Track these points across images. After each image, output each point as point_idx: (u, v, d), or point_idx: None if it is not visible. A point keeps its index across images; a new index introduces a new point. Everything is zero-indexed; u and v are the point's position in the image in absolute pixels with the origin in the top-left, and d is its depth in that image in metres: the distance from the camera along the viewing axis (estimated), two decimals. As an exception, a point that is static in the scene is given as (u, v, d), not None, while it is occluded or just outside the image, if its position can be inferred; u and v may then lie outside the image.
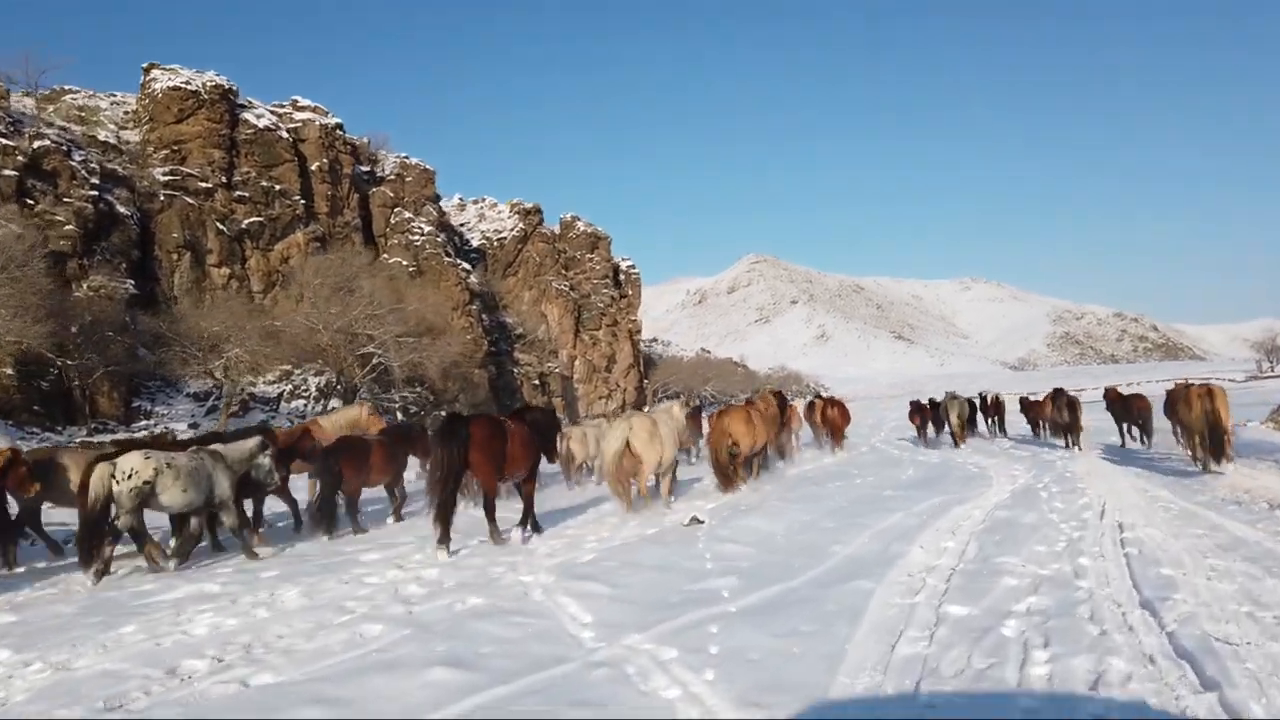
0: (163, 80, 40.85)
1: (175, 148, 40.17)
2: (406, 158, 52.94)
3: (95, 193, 34.82)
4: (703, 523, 10.32)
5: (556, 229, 70.61)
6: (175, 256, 37.93)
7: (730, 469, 13.26)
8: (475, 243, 63.27)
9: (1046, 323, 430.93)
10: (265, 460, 10.33)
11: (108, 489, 8.48)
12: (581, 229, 70.63)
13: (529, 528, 9.95)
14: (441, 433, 9.36)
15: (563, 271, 66.33)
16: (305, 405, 40.61)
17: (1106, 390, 22.30)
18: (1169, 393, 16.51)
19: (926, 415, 26.63)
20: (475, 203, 69.07)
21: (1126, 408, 20.62)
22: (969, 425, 24.94)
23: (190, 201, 38.83)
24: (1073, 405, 21.00)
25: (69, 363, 29.91)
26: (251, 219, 41.05)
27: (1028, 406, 25.72)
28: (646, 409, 70.57)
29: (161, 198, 38.10)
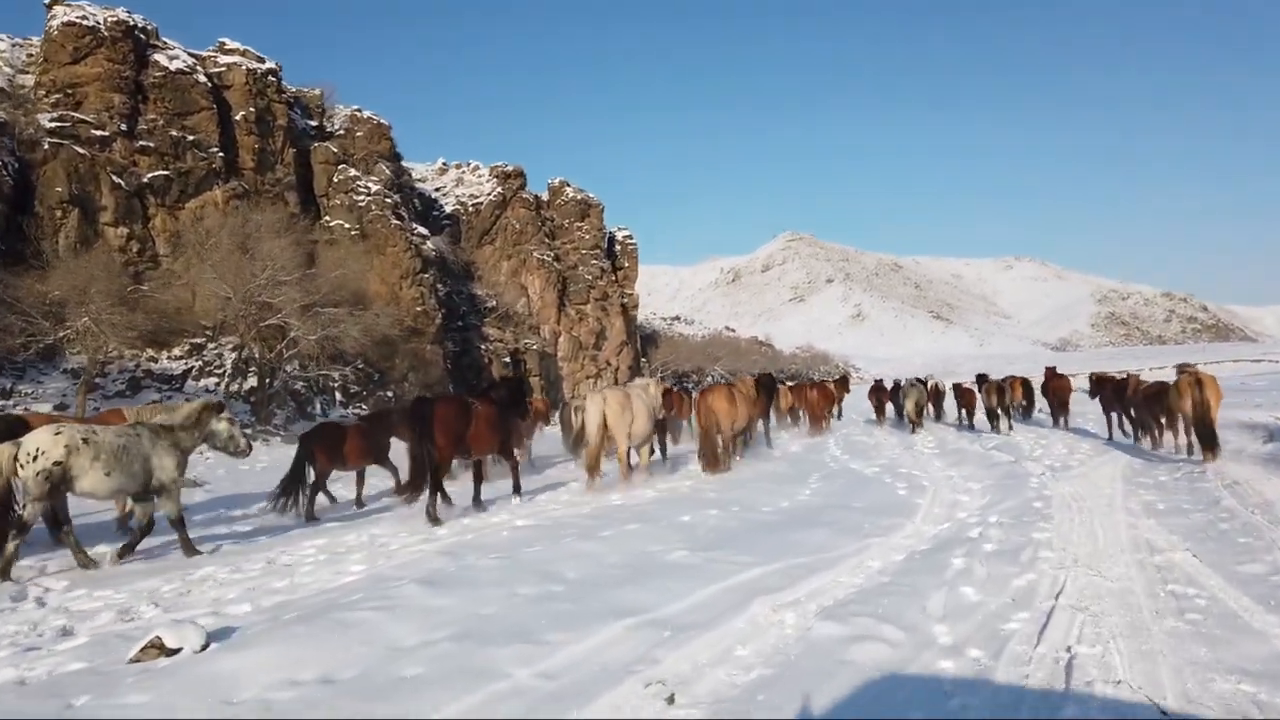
0: (61, 16, 36.04)
1: (69, 91, 35.38)
2: (359, 110, 47.82)
3: (-47, 137, 30.20)
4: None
5: (545, 195, 65.31)
6: (60, 213, 33.17)
7: (714, 447, 13.51)
8: (449, 208, 58.17)
9: (1091, 303, 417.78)
10: (220, 425, 9.20)
11: (9, 473, 7.60)
12: (571, 195, 65.20)
13: (517, 495, 11.36)
14: (409, 414, 10.34)
15: (547, 241, 61.02)
16: (218, 384, 35.95)
17: (1093, 376, 19.78)
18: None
19: (884, 398, 27.85)
20: (457, 166, 63.95)
21: (1118, 395, 17.84)
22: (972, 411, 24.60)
23: (80, 151, 34.02)
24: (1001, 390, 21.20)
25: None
26: (156, 172, 36.18)
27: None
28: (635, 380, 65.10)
29: (46, 146, 33.35)
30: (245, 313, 32.09)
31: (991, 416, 21.16)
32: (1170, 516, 8.78)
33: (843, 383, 33.97)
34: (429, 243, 46.80)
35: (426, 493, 9.99)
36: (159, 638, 4.78)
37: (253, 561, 7.83)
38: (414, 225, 46.62)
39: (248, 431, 32.87)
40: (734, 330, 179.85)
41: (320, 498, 12.28)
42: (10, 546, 7.53)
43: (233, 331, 34.25)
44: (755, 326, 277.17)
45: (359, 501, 12.67)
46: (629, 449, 12.75)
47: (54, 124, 33.96)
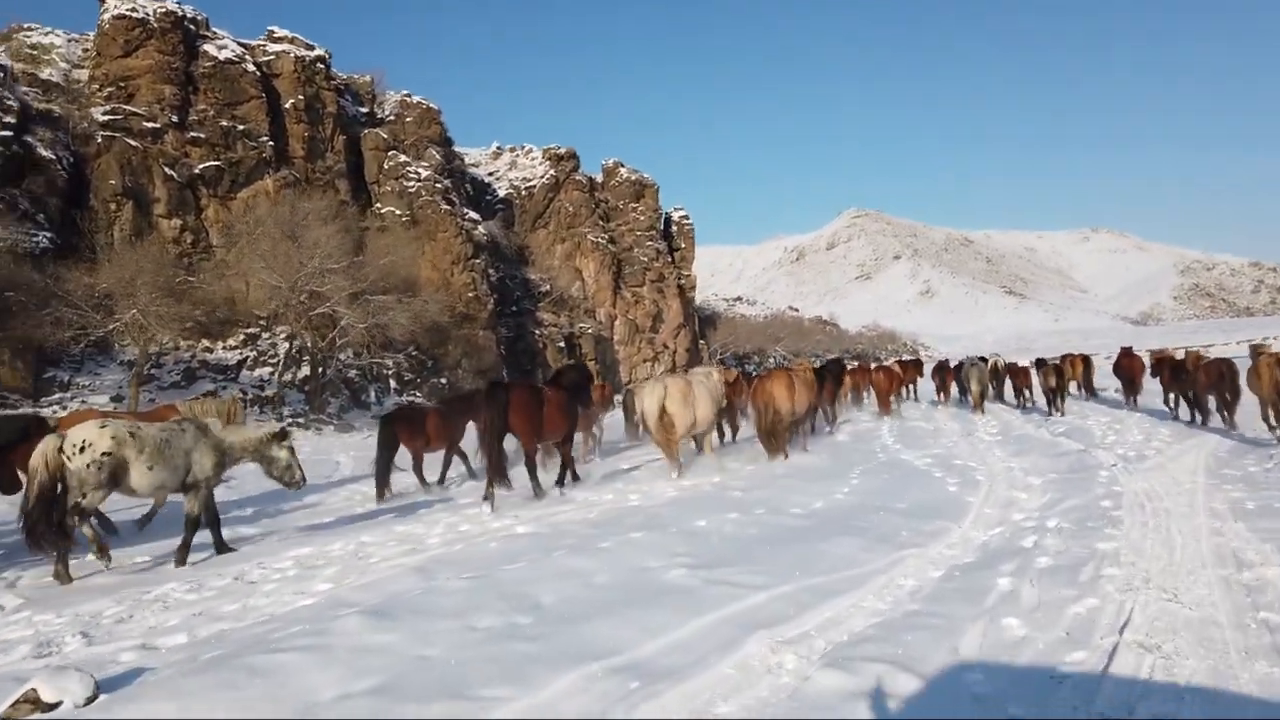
0: (112, 10, 36.37)
1: (121, 84, 35.70)
2: (408, 95, 47.56)
3: (9, 134, 30.58)
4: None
5: (599, 177, 64.50)
6: (114, 206, 33.53)
7: (775, 433, 13.35)
8: (502, 192, 57.79)
9: (1173, 274, 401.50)
10: (282, 453, 8.76)
11: (56, 465, 7.35)
12: (625, 176, 64.25)
13: (568, 479, 11.40)
14: (485, 399, 10.47)
15: (601, 223, 60.22)
16: (271, 373, 36.13)
17: (1152, 355, 19.38)
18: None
19: (948, 378, 27.66)
20: (510, 150, 63.55)
21: (1175, 376, 16.78)
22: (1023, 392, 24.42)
23: (133, 144, 34.32)
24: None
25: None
26: (207, 163, 36.36)
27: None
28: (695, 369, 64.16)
29: (99, 140, 33.71)
30: (294, 301, 32.04)
31: (1050, 397, 20.55)
32: (1262, 519, 7.59)
33: (915, 365, 32.52)
34: (480, 227, 46.40)
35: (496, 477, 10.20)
36: (34, 690, 4.09)
37: (220, 577, 7.21)
38: (465, 210, 46.26)
39: (299, 420, 33.06)
40: (797, 310, 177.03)
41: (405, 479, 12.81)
42: (89, 531, 7.73)
43: (285, 321, 34.28)
44: (820, 306, 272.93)
45: (442, 479, 13.11)
46: (687, 438, 12.75)
47: (106, 117, 34.30)
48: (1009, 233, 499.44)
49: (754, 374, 33.61)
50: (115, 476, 7.63)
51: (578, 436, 15.14)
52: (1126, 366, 20.91)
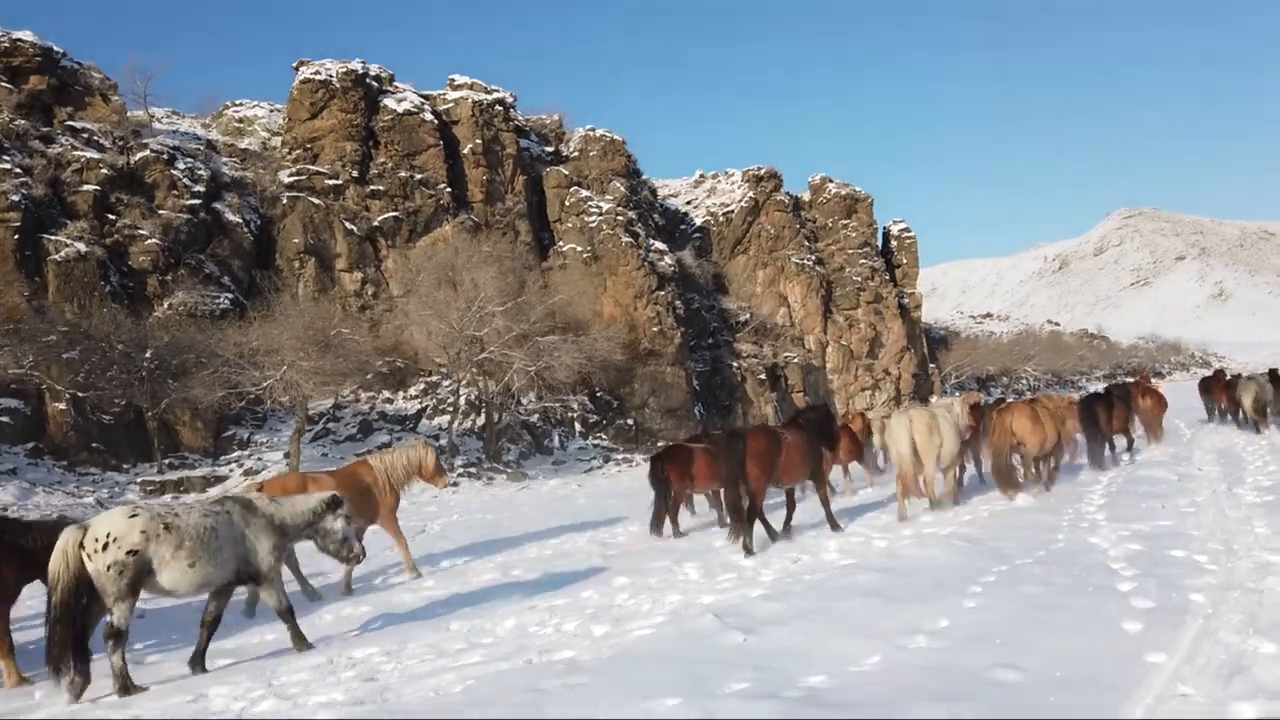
0: (300, 75, 37.88)
1: (308, 146, 36.90)
2: (591, 130, 46.30)
3: (197, 201, 32.10)
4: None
5: (805, 195, 60.39)
6: (298, 264, 34.42)
7: (1012, 471, 12.64)
8: (699, 221, 55.25)
9: None
10: (337, 524, 7.78)
11: (76, 564, 6.29)
12: (834, 191, 59.63)
13: (831, 526, 11.32)
14: (723, 449, 10.78)
15: (807, 243, 55.95)
16: (450, 422, 35.51)
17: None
18: None
19: (1219, 394, 24.49)
20: (713, 176, 61.10)
21: None
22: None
23: (315, 202, 35.17)
24: None
25: (134, 390, 26.72)
26: (386, 215, 36.65)
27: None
28: (934, 400, 57.85)
29: (284, 200, 34.82)
30: (456, 347, 31.08)
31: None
32: None
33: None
34: (666, 258, 44.00)
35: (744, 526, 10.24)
36: None
37: (252, 680, 4.82)
38: (651, 241, 44.09)
39: (471, 470, 31.87)
40: (1058, 324, 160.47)
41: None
42: (115, 659, 6.42)
43: (461, 367, 33.55)
44: (1089, 318, 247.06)
45: (721, 521, 12.93)
46: (934, 473, 12.29)
47: (292, 178, 35.43)
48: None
49: (990, 401, 28.12)
50: (140, 579, 6.49)
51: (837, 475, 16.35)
52: None
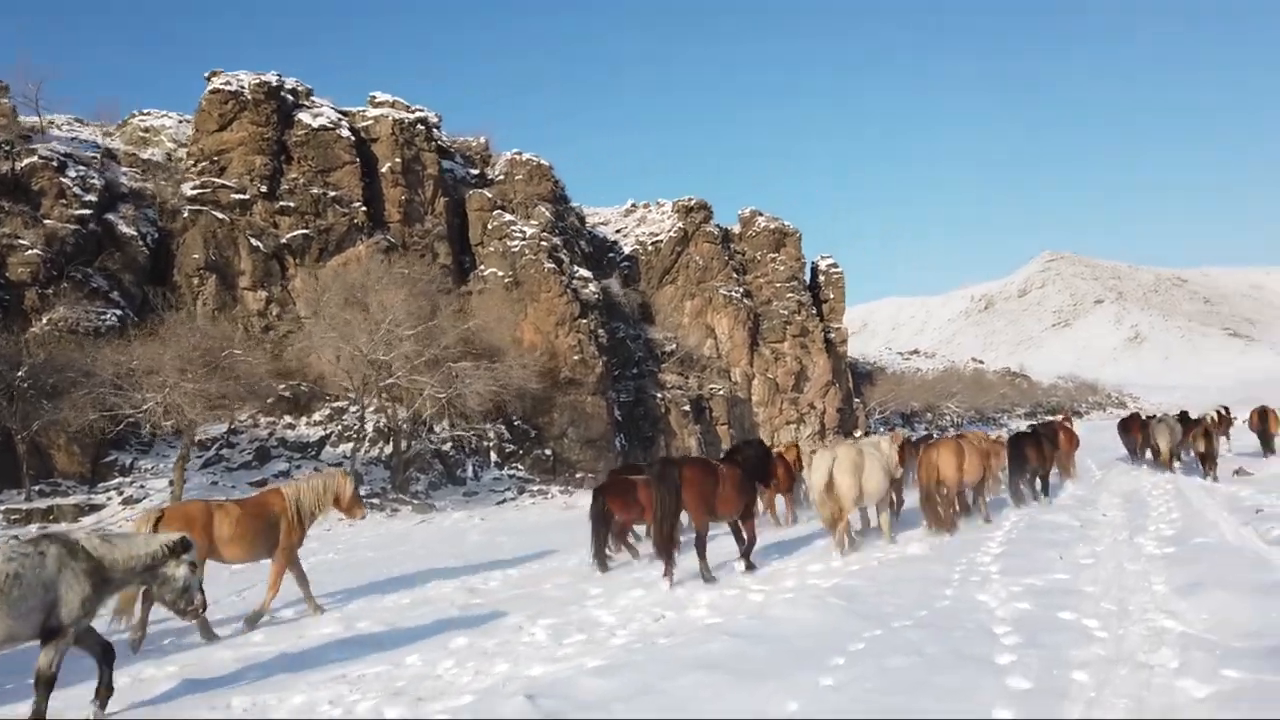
0: (211, 85, 36.27)
1: (215, 159, 35.25)
2: (518, 153, 45.46)
3: (88, 212, 30.23)
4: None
5: (735, 227, 60.36)
6: (197, 281, 32.65)
7: (937, 506, 12.72)
8: (628, 249, 54.69)
9: None
10: (180, 570, 6.45)
11: None
12: (763, 225, 59.72)
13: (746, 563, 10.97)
14: (658, 477, 10.28)
15: (735, 275, 55.76)
16: (355, 448, 33.93)
17: None
18: None
19: (1136, 435, 25.57)
20: (645, 206, 60.68)
21: None
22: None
23: (219, 216, 33.48)
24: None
25: (3, 411, 24.70)
26: (295, 232, 35.12)
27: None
28: (857, 434, 57.59)
29: (186, 214, 33.09)
30: (361, 371, 29.68)
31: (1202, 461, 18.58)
32: None
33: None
34: (591, 285, 43.18)
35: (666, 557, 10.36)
36: None
37: None
38: (576, 268, 43.25)
39: (374, 501, 30.29)
40: (982, 362, 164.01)
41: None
42: None
43: (369, 393, 32.09)
44: (1012, 356, 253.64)
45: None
46: (852, 511, 12.23)
47: (195, 191, 33.73)
48: (1230, 269, 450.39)
49: (917, 439, 28.67)
50: None
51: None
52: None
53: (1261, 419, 23.39)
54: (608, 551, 12.52)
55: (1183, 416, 23.76)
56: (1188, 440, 21.10)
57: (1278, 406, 25.07)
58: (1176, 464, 21.20)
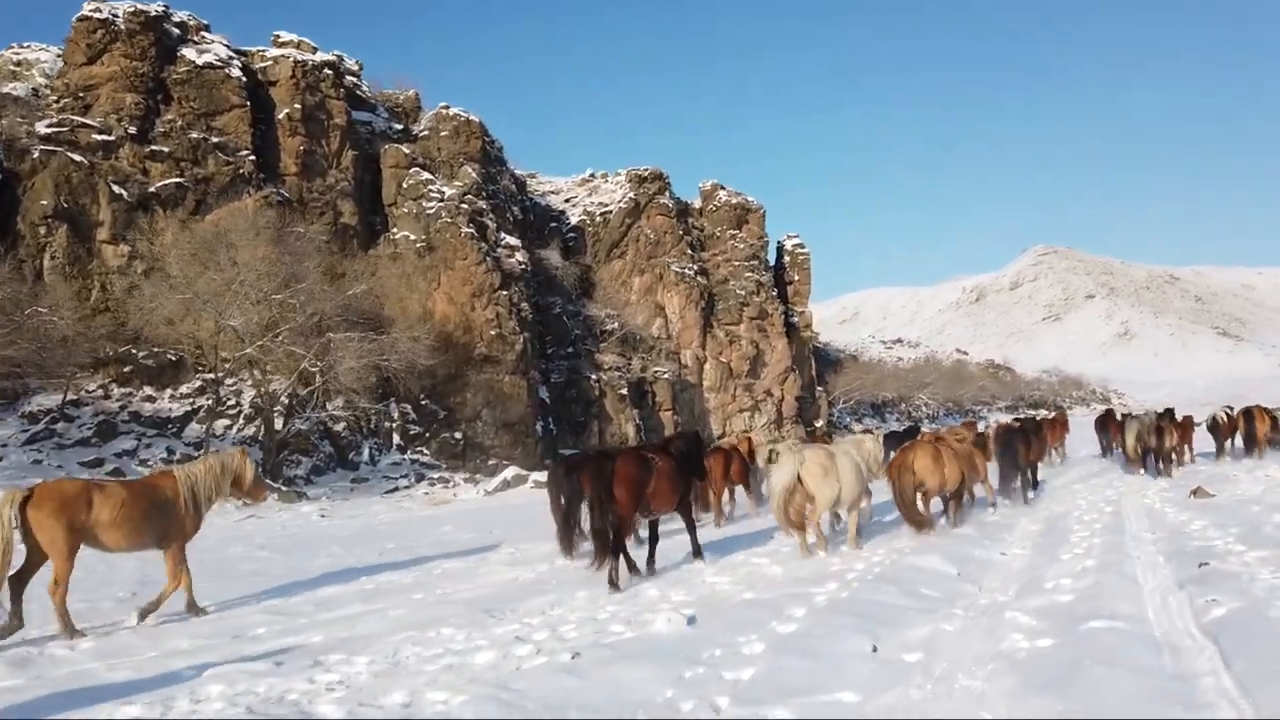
0: (80, 12, 32.11)
1: (80, 95, 31.18)
2: (445, 107, 41.38)
3: (-92, 147, 26.23)
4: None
5: (696, 201, 56.34)
6: (44, 230, 28.66)
7: (916, 508, 12.04)
8: (575, 219, 50.75)
9: None
10: None
11: None
12: (725, 199, 55.71)
13: (696, 555, 10.81)
14: (591, 469, 9.83)
15: (690, 251, 51.83)
16: (230, 427, 30.18)
17: None
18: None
19: (1113, 432, 25.30)
20: (603, 176, 56.58)
21: None
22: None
23: (76, 159, 29.45)
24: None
25: None
26: (167, 180, 31.10)
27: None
28: (819, 424, 53.18)
29: (35, 155, 29.05)
30: (227, 337, 25.88)
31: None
32: None
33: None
34: (518, 255, 39.26)
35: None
36: None
37: None
38: (502, 235, 39.32)
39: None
40: (965, 353, 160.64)
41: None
42: None
43: (240, 364, 28.28)
44: (1001, 349, 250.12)
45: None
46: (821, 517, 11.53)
47: (49, 129, 29.66)
48: (1223, 268, 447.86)
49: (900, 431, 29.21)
50: None
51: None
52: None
53: (1248, 419, 23.20)
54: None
55: (1168, 415, 22.68)
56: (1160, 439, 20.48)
57: (1266, 407, 24.53)
58: (1140, 469, 20.66)
